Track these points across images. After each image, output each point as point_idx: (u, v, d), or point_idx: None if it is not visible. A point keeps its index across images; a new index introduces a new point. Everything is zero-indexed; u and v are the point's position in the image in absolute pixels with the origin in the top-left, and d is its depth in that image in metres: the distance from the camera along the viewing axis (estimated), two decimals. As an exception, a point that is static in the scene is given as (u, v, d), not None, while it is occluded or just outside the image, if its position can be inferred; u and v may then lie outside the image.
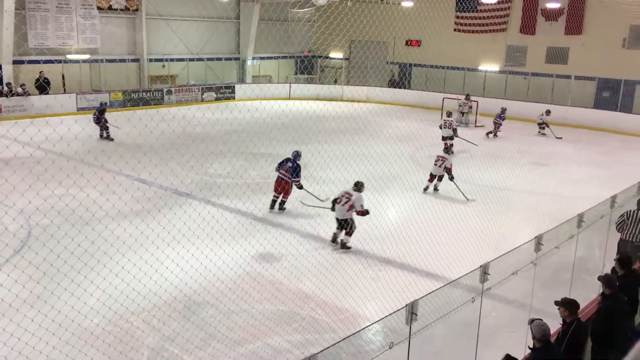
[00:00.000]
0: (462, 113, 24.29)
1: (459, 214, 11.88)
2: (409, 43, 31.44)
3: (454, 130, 18.49)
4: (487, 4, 26.85)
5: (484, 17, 28.61)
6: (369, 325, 4.63)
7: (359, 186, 10.39)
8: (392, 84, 31.74)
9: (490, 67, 29.09)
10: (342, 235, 10.27)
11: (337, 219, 10.24)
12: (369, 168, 14.01)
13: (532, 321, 5.17)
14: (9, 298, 7.13)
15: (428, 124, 23.50)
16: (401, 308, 4.56)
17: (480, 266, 5.53)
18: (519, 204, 13.07)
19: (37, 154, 14.23)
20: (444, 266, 8.92)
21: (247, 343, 7.05)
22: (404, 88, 30.18)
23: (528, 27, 27.54)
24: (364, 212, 10.14)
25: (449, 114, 20.20)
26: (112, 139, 18.77)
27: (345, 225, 10.14)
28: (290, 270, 8.89)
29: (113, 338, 6.88)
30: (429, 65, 30.50)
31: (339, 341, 4.35)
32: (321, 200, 11.79)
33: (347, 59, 33.97)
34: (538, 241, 6.45)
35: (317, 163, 15.53)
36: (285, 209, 12.18)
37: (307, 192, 12.29)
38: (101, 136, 19.00)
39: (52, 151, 15.12)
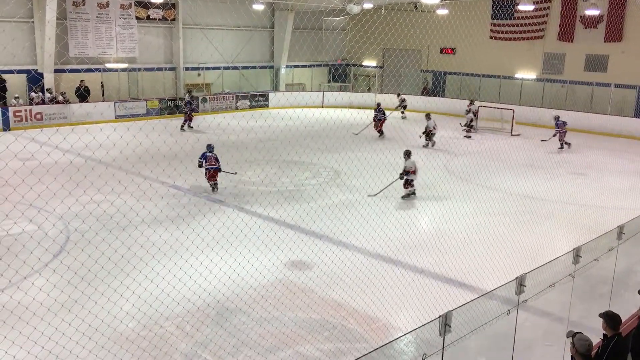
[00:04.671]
0: (470, 119, 23.81)
1: (494, 224, 11.69)
2: (443, 51, 31.23)
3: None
4: (524, 11, 26.45)
5: (520, 25, 28.21)
6: (402, 336, 4.60)
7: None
8: (426, 92, 31.54)
9: (526, 74, 28.64)
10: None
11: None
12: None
13: (574, 335, 5.01)
14: (48, 302, 7.31)
15: (462, 132, 23.28)
16: (435, 319, 4.49)
17: (517, 278, 5.42)
18: (556, 215, 12.81)
19: (77, 161, 14.55)
20: (479, 277, 8.78)
21: (279, 351, 7.06)
22: (438, 96, 29.94)
23: (566, 34, 27.04)
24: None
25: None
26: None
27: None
28: (322, 278, 8.88)
29: (147, 343, 6.96)
30: (463, 73, 30.22)
31: (371, 351, 4.32)
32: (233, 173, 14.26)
33: (380, 67, 33.93)
34: (576, 253, 6.29)
35: (349, 171, 15.51)
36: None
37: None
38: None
39: (91, 158, 15.48)
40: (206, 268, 8.25)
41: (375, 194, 13.58)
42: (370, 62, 34.09)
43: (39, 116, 21.56)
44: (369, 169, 14.52)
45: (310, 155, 17.95)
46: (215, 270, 8.30)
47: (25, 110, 21.35)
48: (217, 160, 13.89)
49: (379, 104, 23.00)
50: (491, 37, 29.15)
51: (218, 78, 29.47)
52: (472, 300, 4.89)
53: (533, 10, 26.01)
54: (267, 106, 29.22)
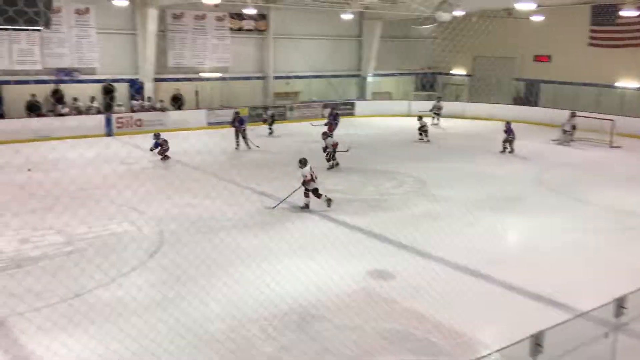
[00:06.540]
0: (564, 131, 22.60)
1: (589, 241, 11.12)
2: (537, 59, 30.07)
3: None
4: (627, 17, 24.97)
5: (622, 31, 26.63)
6: (489, 354, 4.49)
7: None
8: (518, 101, 30.48)
9: (629, 83, 27.00)
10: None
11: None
12: (491, 188, 13.57)
13: None
14: (145, 300, 7.74)
15: (556, 143, 22.32)
16: (525, 338, 4.36)
17: (615, 299, 5.15)
18: (660, 233, 11.97)
19: (176, 166, 15.33)
20: (572, 296, 8.37)
21: (361, 360, 7.06)
22: (531, 105, 28.84)
23: (674, 40, 25.26)
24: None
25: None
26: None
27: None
28: (405, 289, 8.79)
29: (235, 346, 7.18)
30: (558, 82, 28.93)
31: (457, 367, 4.25)
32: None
33: (470, 75, 33.18)
34: (683, 276, 5.88)
35: (436, 181, 15.29)
36: None
37: None
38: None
39: (189, 165, 16.23)
40: (292, 273, 8.42)
41: (274, 207, 13.08)
42: (459, 71, 33.44)
43: (139, 122, 22.88)
44: (457, 180, 14.24)
45: (396, 164, 17.84)
46: (300, 276, 8.44)
47: (128, 117, 22.76)
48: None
49: (332, 108, 23.73)
50: (590, 44, 27.75)
51: (306, 86, 29.97)
52: (566, 321, 4.70)
53: (637, 16, 24.52)
54: (353, 114, 29.35)
